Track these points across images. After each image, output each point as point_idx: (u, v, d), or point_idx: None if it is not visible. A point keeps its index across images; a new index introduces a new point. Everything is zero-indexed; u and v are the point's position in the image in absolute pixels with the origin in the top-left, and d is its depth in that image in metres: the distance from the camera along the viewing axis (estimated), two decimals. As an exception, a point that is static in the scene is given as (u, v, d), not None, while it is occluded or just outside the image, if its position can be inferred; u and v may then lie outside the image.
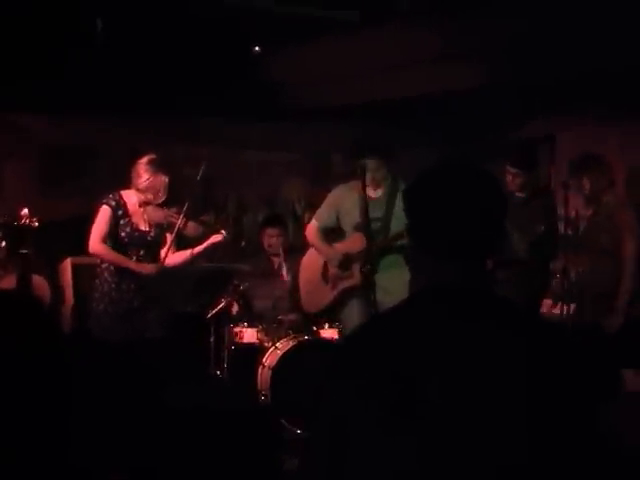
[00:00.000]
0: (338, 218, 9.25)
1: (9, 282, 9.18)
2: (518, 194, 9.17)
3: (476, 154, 8.65)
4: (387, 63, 10.71)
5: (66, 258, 11.03)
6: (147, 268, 8.99)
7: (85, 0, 9.76)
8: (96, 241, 8.88)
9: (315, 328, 10.06)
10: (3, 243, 9.36)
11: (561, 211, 9.51)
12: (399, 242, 8.67)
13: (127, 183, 9.17)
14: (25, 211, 9.25)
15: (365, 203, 8.58)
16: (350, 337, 3.09)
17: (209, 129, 11.92)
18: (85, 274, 10.70)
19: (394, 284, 8.53)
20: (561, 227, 9.35)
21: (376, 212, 8.86)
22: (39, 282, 9.51)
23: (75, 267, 10.99)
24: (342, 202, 9.19)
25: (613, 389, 3.11)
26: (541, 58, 9.69)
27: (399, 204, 8.61)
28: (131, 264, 8.93)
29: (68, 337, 9.00)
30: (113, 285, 9.00)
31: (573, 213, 9.24)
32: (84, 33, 10.29)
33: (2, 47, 10.03)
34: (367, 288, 8.57)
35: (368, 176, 8.84)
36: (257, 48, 11.70)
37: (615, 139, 10.30)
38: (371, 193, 8.89)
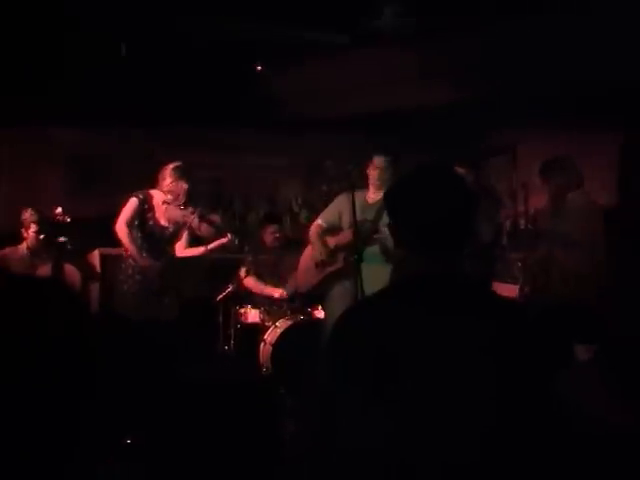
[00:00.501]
0: (340, 219, 9.27)
1: (45, 270, 9.26)
2: None
3: (448, 160, 8.63)
4: (372, 81, 10.73)
5: (94, 249, 11.08)
6: (145, 261, 9.19)
7: (110, 26, 9.71)
8: (121, 222, 9.14)
9: (309, 309, 10.10)
10: (41, 236, 9.40)
11: (521, 208, 9.56)
12: (381, 239, 8.70)
13: (145, 185, 9.41)
14: (59, 209, 9.36)
15: (354, 203, 8.60)
16: (341, 319, 3.10)
17: (217, 137, 11.92)
18: (111, 263, 10.75)
19: (376, 275, 8.56)
20: (522, 222, 9.39)
21: (369, 215, 8.87)
22: (70, 270, 9.56)
23: (102, 257, 11.06)
24: (344, 206, 9.16)
25: (566, 359, 3.13)
26: (503, 79, 9.75)
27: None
28: (134, 253, 9.15)
29: (95, 315, 9.03)
30: (137, 269, 9.20)
31: (532, 210, 9.31)
32: (108, 55, 10.29)
33: (37, 69, 10.06)
34: (354, 276, 8.59)
35: (375, 175, 8.91)
36: (259, 67, 11.70)
37: (564, 148, 10.33)
38: (370, 197, 8.91)
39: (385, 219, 8.55)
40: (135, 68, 10.42)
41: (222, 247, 9.79)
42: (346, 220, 9.11)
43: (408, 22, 9.38)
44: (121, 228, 9.15)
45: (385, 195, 3.22)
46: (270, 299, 10.67)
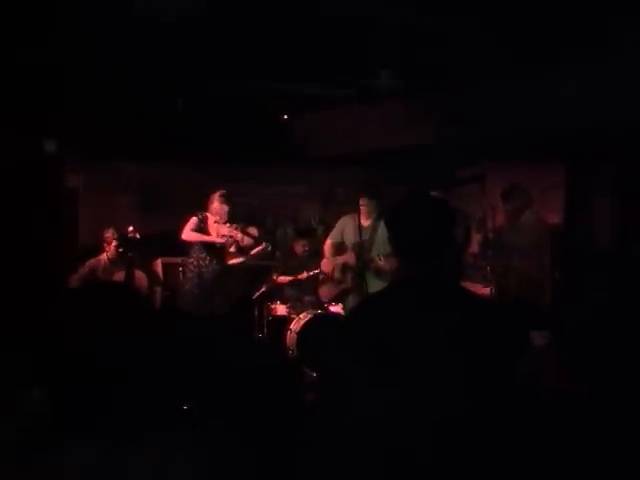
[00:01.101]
0: (342, 237, 9.38)
1: (120, 275, 9.35)
2: None
3: (431, 188, 8.70)
4: (371, 126, 10.78)
5: (158, 258, 11.14)
6: (218, 240, 9.67)
7: (169, 85, 9.83)
8: (187, 230, 9.60)
9: (326, 305, 10.13)
10: (120, 250, 9.49)
11: (490, 225, 9.60)
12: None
13: (195, 208, 9.81)
14: (131, 228, 9.46)
15: (360, 226, 8.81)
16: (349, 313, 3.17)
17: (251, 171, 12.00)
18: (171, 270, 10.83)
19: (375, 288, 8.69)
20: (490, 236, 9.43)
21: (365, 235, 9.01)
22: (140, 275, 9.64)
23: (164, 265, 11.12)
24: (345, 226, 9.36)
25: (525, 342, 3.16)
26: (472, 126, 9.80)
27: (380, 230, 8.81)
28: (207, 237, 9.66)
29: (159, 312, 9.11)
30: (196, 272, 9.63)
31: (497, 226, 9.39)
32: (167, 107, 10.40)
33: (111, 116, 10.18)
34: (360, 288, 8.80)
35: (362, 209, 9.00)
36: (285, 116, 11.76)
37: (521, 178, 10.37)
38: (364, 222, 9.03)
39: (377, 242, 8.84)
40: (189, 117, 10.55)
41: (259, 254, 10.01)
42: (347, 237, 9.32)
43: (399, 82, 9.46)
44: (188, 234, 9.60)
45: (385, 215, 3.28)
46: (298, 298, 10.74)
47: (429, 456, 2.76)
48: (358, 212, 9.11)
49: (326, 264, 9.61)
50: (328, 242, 9.63)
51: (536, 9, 7.27)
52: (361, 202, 9.07)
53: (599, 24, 7.50)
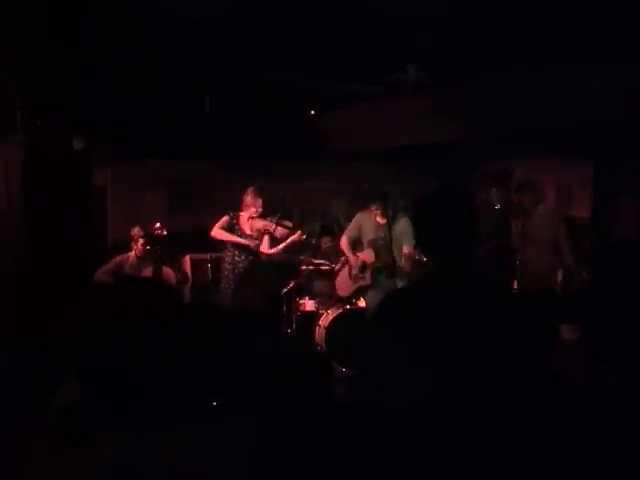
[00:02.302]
0: (359, 233, 9.51)
1: (148, 272, 9.37)
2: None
3: (461, 182, 8.74)
4: (401, 121, 10.78)
5: (186, 255, 11.20)
6: (243, 241, 9.76)
7: (198, 81, 9.91)
8: (216, 228, 9.74)
9: (354, 300, 10.15)
10: (147, 247, 9.54)
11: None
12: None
13: (224, 205, 10.05)
14: (158, 224, 9.51)
15: (379, 227, 8.95)
16: (381, 303, 3.19)
17: (281, 167, 12.02)
18: (199, 266, 10.92)
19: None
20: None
21: (380, 233, 9.18)
22: (167, 271, 9.68)
23: (192, 261, 11.18)
24: (362, 223, 9.51)
25: (553, 338, 3.18)
26: (501, 119, 9.78)
27: (397, 229, 8.90)
28: (232, 238, 9.76)
29: (187, 307, 9.18)
30: (230, 269, 9.84)
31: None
32: (196, 104, 10.48)
33: (142, 114, 10.26)
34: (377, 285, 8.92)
35: (375, 212, 9.25)
36: (312, 112, 11.79)
37: (547, 172, 10.41)
38: (380, 220, 9.09)
39: (395, 240, 9.06)
40: (217, 114, 10.61)
41: (294, 244, 10.18)
42: (365, 234, 9.50)
43: (426, 76, 9.46)
44: (216, 231, 9.75)
45: (414, 207, 3.30)
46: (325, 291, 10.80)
47: (465, 440, 2.80)
48: (374, 211, 9.26)
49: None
50: (344, 239, 9.79)
51: (566, 1, 7.26)
52: (373, 208, 9.31)
53: (629, 17, 7.47)
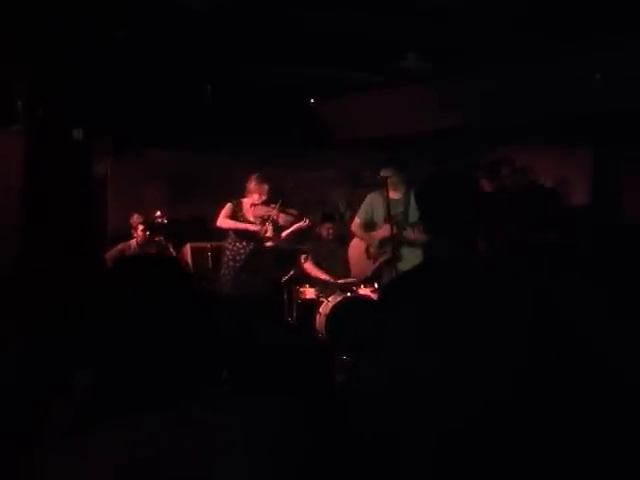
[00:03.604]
0: (372, 214, 9.36)
1: (150, 260, 9.38)
2: None
3: (460, 170, 8.73)
4: (401, 109, 10.81)
5: (187, 243, 11.22)
6: (251, 227, 9.83)
7: (198, 71, 9.93)
8: (220, 219, 9.81)
9: (355, 288, 10.16)
10: (147, 233, 9.58)
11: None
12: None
13: (225, 194, 10.08)
14: (158, 213, 9.60)
15: (388, 203, 8.72)
16: (389, 285, 3.24)
17: (281, 156, 11.99)
18: (200, 254, 10.95)
19: (410, 257, 8.73)
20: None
21: (398, 208, 8.98)
22: (170, 260, 9.70)
23: (193, 249, 11.21)
24: (374, 203, 9.32)
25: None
26: (499, 109, 9.81)
27: (412, 202, 8.79)
28: (240, 225, 9.83)
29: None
30: (231, 262, 9.86)
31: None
32: (196, 94, 10.49)
33: (142, 104, 10.26)
34: (397, 260, 8.78)
35: (389, 182, 8.96)
36: (312, 100, 11.80)
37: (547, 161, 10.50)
38: (393, 195, 8.94)
39: (411, 213, 8.81)
40: (218, 104, 10.61)
41: (300, 231, 10.33)
42: (377, 214, 9.27)
43: (426, 64, 9.47)
44: (223, 221, 9.82)
45: (416, 195, 3.34)
46: (323, 281, 10.77)
47: (479, 421, 2.83)
48: (386, 187, 9.12)
49: (356, 246, 9.64)
50: (357, 221, 9.57)
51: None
52: (386, 173, 9.03)
53: (629, 7, 7.50)
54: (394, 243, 8.90)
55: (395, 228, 8.83)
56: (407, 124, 10.90)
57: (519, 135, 10.88)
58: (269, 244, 9.96)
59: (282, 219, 9.96)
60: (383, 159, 9.20)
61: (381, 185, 9.05)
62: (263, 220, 9.85)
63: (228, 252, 9.92)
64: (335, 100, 11.58)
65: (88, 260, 9.37)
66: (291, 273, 10.65)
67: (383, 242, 9.15)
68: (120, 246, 9.85)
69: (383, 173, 8.94)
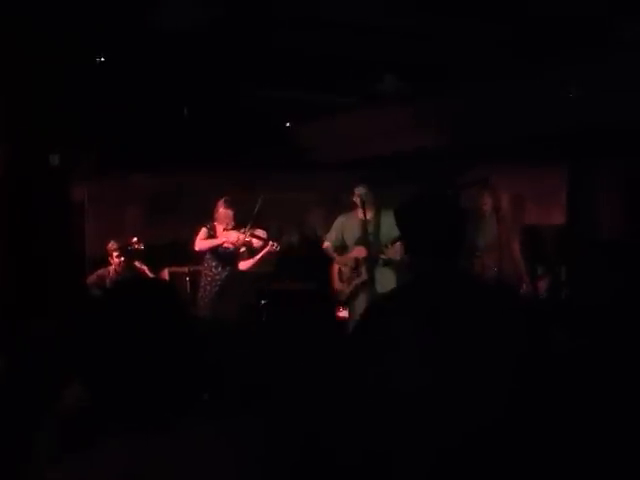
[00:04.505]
0: (343, 237, 9.32)
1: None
2: None
3: (438, 190, 8.83)
4: (376, 132, 10.83)
5: (164, 268, 11.20)
6: (229, 239, 9.86)
7: (176, 95, 9.94)
8: (198, 242, 9.85)
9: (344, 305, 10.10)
10: (122, 259, 9.57)
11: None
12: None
13: (203, 218, 10.03)
14: (135, 239, 9.59)
15: (365, 223, 8.75)
16: (384, 297, 3.25)
17: (258, 178, 12.00)
18: (177, 279, 10.91)
19: (385, 278, 8.71)
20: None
21: (365, 230, 9.00)
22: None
23: (171, 274, 11.18)
24: (344, 225, 9.32)
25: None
26: (476, 130, 9.87)
27: (384, 222, 8.79)
28: (218, 240, 9.86)
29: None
30: (208, 287, 9.91)
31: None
32: (175, 117, 10.50)
33: (119, 129, 10.26)
34: (373, 281, 8.76)
35: (359, 201, 8.97)
36: (288, 124, 11.83)
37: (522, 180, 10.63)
38: (362, 216, 8.95)
39: (384, 233, 8.83)
40: (195, 127, 10.63)
41: (268, 254, 10.15)
42: (348, 237, 9.25)
43: (404, 86, 9.50)
44: (200, 243, 9.85)
45: (397, 214, 3.32)
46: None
47: (465, 437, 2.83)
48: (355, 207, 9.12)
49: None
50: (327, 244, 9.53)
51: (536, 9, 7.34)
52: (358, 192, 9.01)
53: (598, 23, 7.56)
54: (368, 265, 8.91)
55: (369, 248, 8.87)
56: (385, 145, 10.92)
57: (496, 154, 10.94)
58: (246, 265, 9.96)
59: (255, 242, 9.98)
60: (356, 178, 9.23)
61: (351, 207, 9.12)
62: (237, 245, 9.89)
63: (205, 276, 9.93)
64: (313, 122, 11.60)
65: (68, 286, 9.32)
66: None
67: (356, 264, 9.11)
68: (100, 272, 9.84)
69: (357, 191, 8.96)
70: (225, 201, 9.90)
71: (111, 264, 9.93)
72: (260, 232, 10.10)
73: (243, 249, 9.90)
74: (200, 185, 11.92)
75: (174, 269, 11.23)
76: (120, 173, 12.06)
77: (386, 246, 8.81)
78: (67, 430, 2.58)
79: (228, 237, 9.81)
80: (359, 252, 9.05)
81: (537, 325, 3.03)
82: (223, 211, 9.82)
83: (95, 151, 10.54)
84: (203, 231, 9.85)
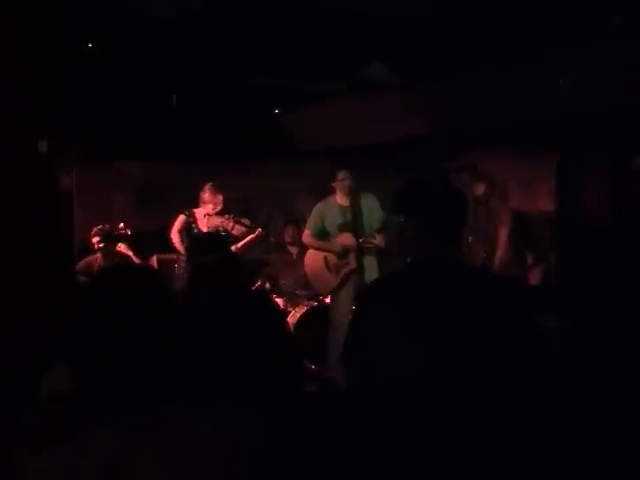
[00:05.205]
0: (323, 223, 9.27)
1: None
2: None
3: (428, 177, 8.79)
4: (365, 119, 10.80)
5: (153, 255, 11.16)
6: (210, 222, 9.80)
7: (165, 83, 9.91)
8: (174, 232, 9.90)
9: (322, 298, 10.10)
10: (102, 245, 9.50)
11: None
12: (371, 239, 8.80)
13: (195, 205, 9.95)
14: (121, 224, 9.54)
15: (347, 210, 8.77)
16: (375, 282, 3.25)
17: (246, 166, 11.98)
18: (166, 266, 10.86)
19: (370, 266, 8.71)
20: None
21: (347, 216, 8.99)
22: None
23: (159, 261, 11.14)
24: (323, 212, 9.29)
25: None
26: (465, 115, 9.85)
27: (366, 209, 8.78)
28: (184, 252, 9.58)
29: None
30: (185, 269, 9.40)
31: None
32: (163, 105, 10.47)
33: (109, 117, 10.23)
34: (360, 269, 8.72)
35: (340, 185, 9.01)
36: (277, 110, 11.80)
37: (511, 167, 10.62)
38: (342, 202, 8.95)
39: (368, 219, 8.86)
40: (183, 115, 10.60)
41: (254, 242, 10.21)
42: (330, 221, 9.20)
43: (391, 73, 9.48)
44: (174, 235, 9.85)
45: (395, 198, 3.28)
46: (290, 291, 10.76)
47: (453, 412, 2.83)
48: (333, 193, 9.10)
49: (313, 259, 9.50)
50: (307, 233, 9.50)
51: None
52: (342, 176, 9.02)
53: (586, 10, 7.56)
54: (357, 252, 8.87)
55: (354, 234, 8.84)
56: (374, 132, 10.91)
57: (485, 141, 10.95)
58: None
59: (237, 230, 9.88)
60: (338, 164, 9.21)
61: (331, 192, 9.09)
62: (217, 231, 9.71)
63: (182, 264, 9.70)
64: (301, 110, 11.58)
65: (57, 273, 9.31)
66: (257, 284, 10.66)
67: (344, 251, 9.05)
68: (88, 259, 9.78)
69: (341, 175, 8.92)
70: (212, 186, 9.92)
71: (97, 252, 9.85)
72: (245, 220, 10.06)
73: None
74: (189, 173, 11.89)
75: (163, 256, 11.19)
76: (109, 161, 12.05)
77: (373, 235, 8.79)
78: (51, 419, 2.58)
79: (210, 223, 9.79)
80: (346, 239, 8.99)
81: (524, 312, 3.03)
82: (211, 195, 9.82)
83: (82, 139, 10.53)
84: (181, 218, 9.87)
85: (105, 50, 8.56)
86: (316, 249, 9.41)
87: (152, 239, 11.03)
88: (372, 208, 8.91)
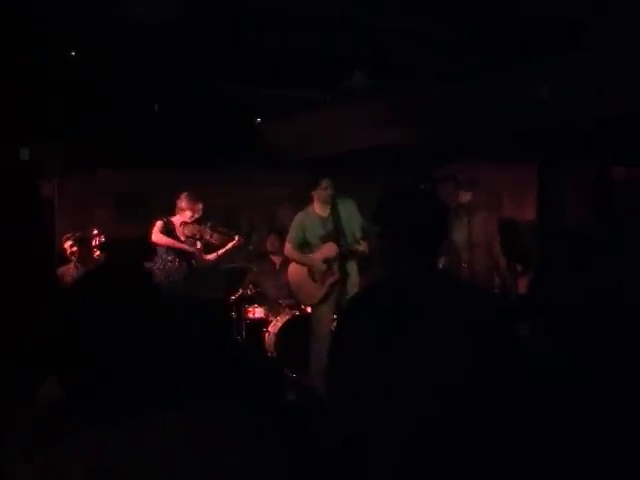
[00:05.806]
0: (304, 235, 9.08)
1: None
2: None
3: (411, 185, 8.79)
4: (348, 128, 10.83)
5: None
6: (188, 249, 9.65)
7: (146, 92, 9.90)
8: (156, 234, 9.64)
9: (303, 307, 10.08)
10: (74, 248, 9.41)
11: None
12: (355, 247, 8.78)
13: (173, 213, 9.78)
14: (95, 231, 9.48)
15: (327, 220, 8.75)
16: (358, 294, 3.23)
17: (229, 174, 12.01)
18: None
19: (353, 275, 8.70)
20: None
21: (329, 227, 8.87)
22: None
23: (139, 269, 11.11)
24: (304, 223, 9.07)
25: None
26: (447, 126, 9.90)
27: (344, 216, 8.74)
28: (177, 244, 9.61)
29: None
30: (164, 279, 9.51)
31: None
32: (145, 113, 10.47)
33: (89, 124, 10.22)
34: (344, 279, 8.70)
35: (321, 194, 8.88)
36: (258, 120, 11.82)
37: (491, 176, 10.68)
38: (320, 212, 8.89)
39: (349, 228, 8.80)
40: (165, 123, 10.60)
41: (233, 249, 10.11)
42: (311, 233, 9.00)
43: (373, 83, 9.49)
44: (158, 236, 9.63)
45: (376, 210, 3.27)
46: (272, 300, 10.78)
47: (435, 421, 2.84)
48: (311, 202, 9.01)
49: (296, 271, 9.32)
50: (289, 246, 9.26)
51: (506, 9, 7.37)
52: (326, 184, 8.84)
53: (566, 22, 7.61)
54: (340, 262, 8.81)
55: (338, 244, 8.78)
56: (356, 141, 10.93)
57: (466, 151, 10.98)
58: (208, 258, 9.90)
59: (215, 238, 9.81)
60: (317, 173, 9.14)
61: (307, 203, 9.04)
62: (194, 239, 9.68)
63: (158, 271, 9.62)
64: (282, 119, 11.60)
65: (38, 280, 9.26)
66: (239, 293, 10.68)
67: (328, 262, 8.92)
68: (63, 268, 9.57)
69: (324, 184, 8.84)
70: (190, 194, 9.75)
71: (71, 260, 9.65)
72: (222, 228, 9.98)
73: (199, 245, 9.74)
74: (171, 181, 11.89)
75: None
76: (91, 169, 12.03)
77: (358, 241, 8.75)
78: (43, 424, 2.57)
79: (186, 231, 9.61)
80: (329, 250, 8.92)
81: (504, 324, 3.03)
82: (188, 203, 9.68)
83: (64, 147, 10.52)
84: (160, 224, 9.64)
85: (87, 57, 8.55)
86: (298, 263, 9.21)
87: (132, 247, 11.03)
88: (350, 214, 8.81)
